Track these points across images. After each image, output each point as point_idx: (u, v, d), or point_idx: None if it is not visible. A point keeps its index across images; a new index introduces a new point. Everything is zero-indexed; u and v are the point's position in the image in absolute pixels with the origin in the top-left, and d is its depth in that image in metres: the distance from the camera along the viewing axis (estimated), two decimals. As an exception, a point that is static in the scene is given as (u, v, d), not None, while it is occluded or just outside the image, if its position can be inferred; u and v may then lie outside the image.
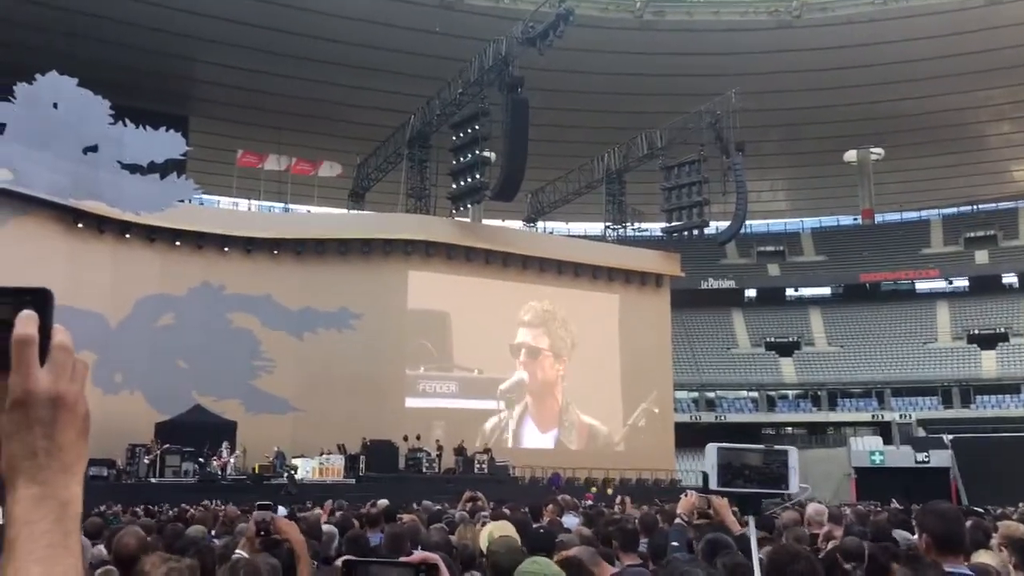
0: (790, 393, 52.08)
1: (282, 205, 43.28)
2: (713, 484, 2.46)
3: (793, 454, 2.48)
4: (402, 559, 1.67)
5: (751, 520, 2.57)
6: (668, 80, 45.16)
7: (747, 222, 42.93)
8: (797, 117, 49.76)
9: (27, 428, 0.95)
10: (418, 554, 1.66)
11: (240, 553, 4.23)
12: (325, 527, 6.26)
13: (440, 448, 30.39)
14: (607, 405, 37.13)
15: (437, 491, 22.75)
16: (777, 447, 2.51)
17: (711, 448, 2.46)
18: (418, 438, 30.54)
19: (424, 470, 29.08)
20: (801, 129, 51.17)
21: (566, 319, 36.54)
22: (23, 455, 0.94)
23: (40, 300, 0.97)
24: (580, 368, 36.39)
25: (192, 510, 15.71)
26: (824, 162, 56.01)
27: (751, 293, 58.06)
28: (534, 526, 6.28)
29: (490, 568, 4.36)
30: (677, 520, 6.01)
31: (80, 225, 29.21)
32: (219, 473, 25.80)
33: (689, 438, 39.73)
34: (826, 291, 58.72)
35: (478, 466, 29.37)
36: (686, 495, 6.51)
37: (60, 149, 28.01)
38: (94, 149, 28.87)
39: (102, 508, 16.19)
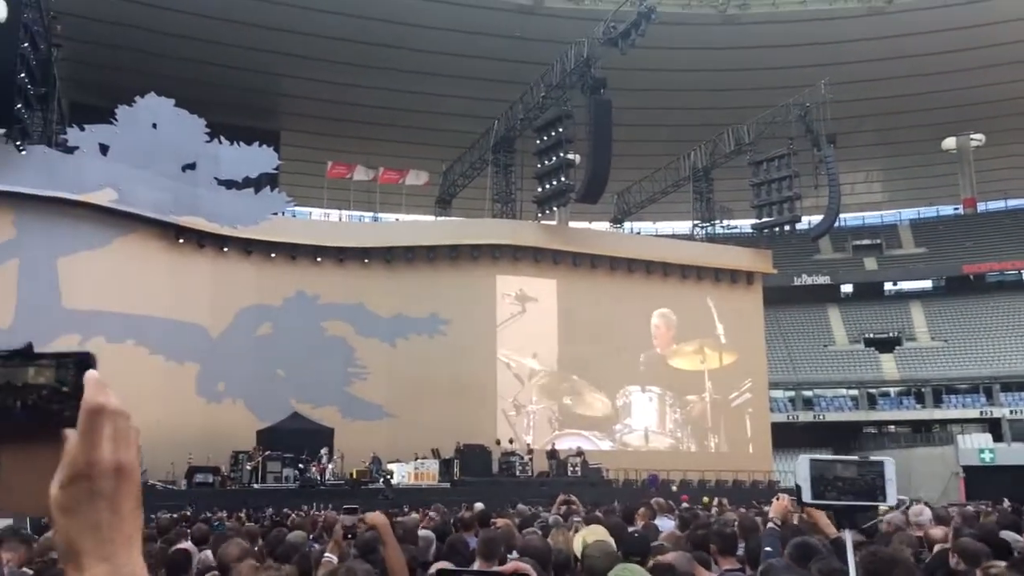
0: (892, 390, 50.36)
1: (371, 215, 44.07)
2: (806, 497, 2.39)
3: (890, 466, 2.39)
4: (495, 569, 1.67)
5: (847, 532, 2.49)
6: (754, 74, 44.32)
7: (841, 215, 41.78)
8: (892, 106, 48.15)
9: (90, 502, 0.91)
10: (511, 563, 1.66)
11: (329, 557, 4.33)
12: (422, 532, 6.34)
13: (531, 451, 30.45)
14: (697, 402, 36.74)
15: (531, 494, 22.82)
16: (873, 458, 2.42)
17: (803, 460, 2.39)
18: (511, 442, 30.67)
19: (517, 473, 29.16)
20: (896, 118, 49.50)
21: (655, 319, 36.50)
22: (86, 530, 0.91)
23: (85, 364, 0.94)
24: (674, 365, 36.33)
25: (293, 515, 16.13)
26: (922, 151, 54.10)
27: (847, 288, 56.44)
28: (629, 530, 6.23)
29: (585, 573, 4.36)
30: (770, 524, 5.89)
31: (181, 240, 30.26)
32: (318, 479, 26.36)
33: (787, 438, 38.88)
34: (927, 284, 56.68)
35: (571, 469, 29.30)
36: (778, 498, 6.37)
37: (160, 168, 29.18)
38: (192, 167, 29.99)
39: (208, 514, 16.76)
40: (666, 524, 8.46)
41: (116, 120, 28.63)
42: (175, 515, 16.84)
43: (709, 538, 5.59)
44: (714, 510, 11.67)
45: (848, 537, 2.48)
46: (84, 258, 27.73)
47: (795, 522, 6.67)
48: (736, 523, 6.93)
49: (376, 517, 4.33)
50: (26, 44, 25.58)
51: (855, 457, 2.44)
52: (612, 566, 4.57)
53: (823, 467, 2.39)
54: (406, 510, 16.97)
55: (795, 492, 2.57)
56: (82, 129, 28.36)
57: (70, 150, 28.18)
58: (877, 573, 3.13)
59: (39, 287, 26.84)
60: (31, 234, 26.91)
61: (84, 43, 36.03)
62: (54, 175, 27.26)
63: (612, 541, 5.12)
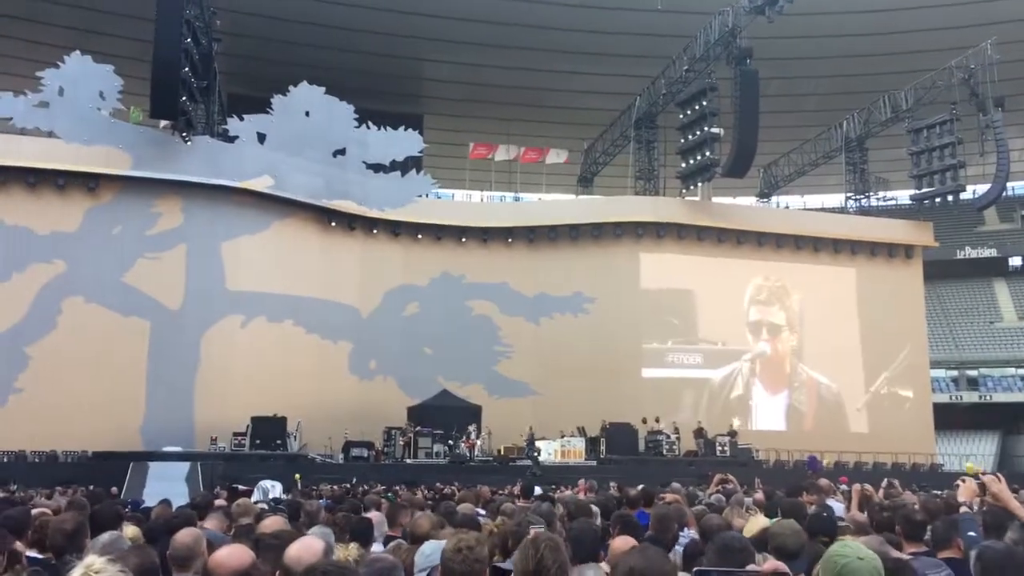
0: (1067, 370, 46.97)
1: (512, 195, 44.35)
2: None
3: None
4: (751, 568, 1.61)
5: None
6: (911, 36, 41.84)
7: (1009, 184, 39.10)
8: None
9: None
10: (769, 563, 1.59)
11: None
12: (594, 508, 6.32)
13: (678, 431, 30.06)
14: (846, 378, 35.28)
15: (678, 474, 22.48)
16: None
17: None
18: (657, 420, 30.34)
19: (664, 452, 28.87)
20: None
21: (797, 294, 35.17)
22: None
23: None
24: (815, 345, 35.00)
25: (447, 489, 16.51)
26: (1100, 112, 49.88)
27: (1016, 261, 52.84)
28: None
29: (774, 552, 4.22)
30: (963, 508, 5.57)
31: (333, 224, 31.37)
32: (467, 454, 26.88)
33: (949, 419, 36.88)
34: (1105, 256, 52.45)
35: (720, 448, 28.78)
36: (963, 481, 6.09)
37: (313, 154, 30.28)
38: (342, 152, 30.99)
39: (365, 487, 17.37)
40: (836, 507, 8.12)
41: (272, 109, 29.85)
42: (336, 487, 17.56)
43: (895, 521, 5.32)
44: (881, 491, 11.13)
45: None
46: (245, 242, 29.16)
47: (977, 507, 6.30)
48: (917, 506, 6.58)
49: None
50: (188, 40, 26.99)
51: None
52: (801, 543, 4.41)
53: None
54: (553, 487, 17.08)
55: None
56: (241, 119, 29.73)
57: (230, 139, 29.60)
58: None
59: (205, 270, 28.43)
60: (197, 220, 28.50)
61: (238, 36, 37.65)
62: (217, 164, 28.75)
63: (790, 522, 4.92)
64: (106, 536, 4.04)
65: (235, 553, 3.54)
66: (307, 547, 3.22)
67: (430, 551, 3.65)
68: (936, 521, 5.34)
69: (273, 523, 4.48)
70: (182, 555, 3.97)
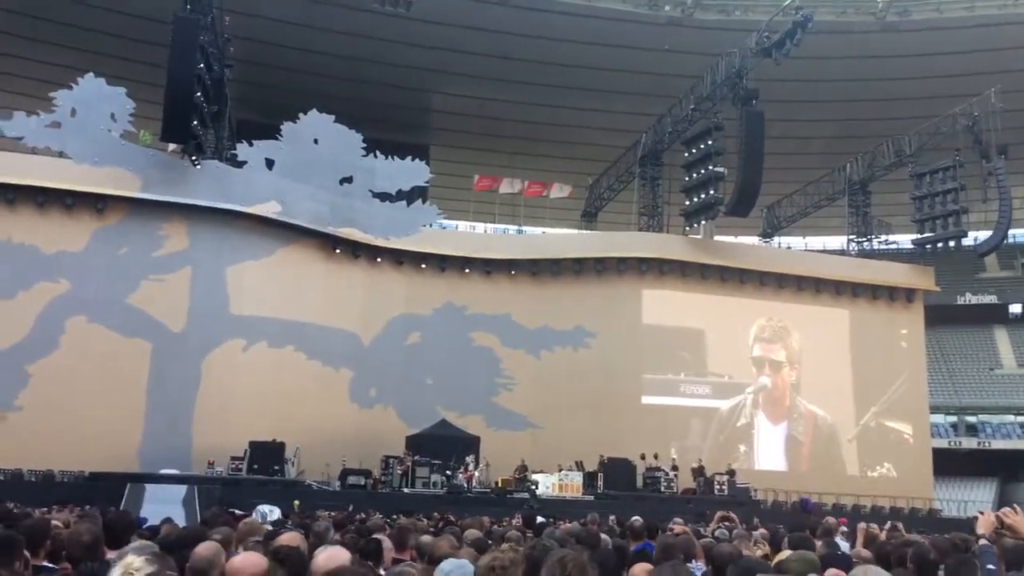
0: (1067, 418, 46.88)
1: (515, 228, 44.57)
2: None
3: None
4: None
5: None
6: (916, 83, 42.37)
7: (1010, 231, 39.29)
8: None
9: None
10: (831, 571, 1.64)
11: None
12: (603, 536, 6.33)
13: (676, 467, 29.93)
14: (850, 424, 35.20)
15: (676, 511, 22.25)
16: None
17: None
18: (655, 457, 30.24)
19: (662, 489, 28.73)
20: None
21: (799, 335, 35.20)
22: None
23: None
24: (814, 382, 34.99)
25: (447, 518, 16.40)
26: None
27: (1016, 309, 52.98)
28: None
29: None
30: (982, 542, 5.59)
31: (338, 251, 31.48)
32: (465, 485, 26.74)
33: (948, 465, 36.72)
34: (1105, 306, 52.60)
35: (718, 487, 28.67)
36: (982, 514, 6.15)
37: (320, 181, 30.47)
38: (349, 180, 31.16)
39: (363, 515, 17.25)
40: (843, 545, 8.12)
41: (281, 136, 30.08)
42: (334, 514, 17.44)
43: (910, 559, 5.33)
44: (885, 532, 11.12)
45: None
46: (250, 267, 29.24)
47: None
48: (928, 545, 6.59)
49: None
50: (202, 65, 27.26)
51: None
52: (807, 571, 4.43)
53: None
54: (552, 520, 16.98)
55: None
56: (251, 145, 29.92)
57: (239, 165, 29.79)
58: None
59: (209, 294, 28.47)
60: (203, 244, 28.61)
61: (250, 63, 38.03)
62: (224, 188, 28.92)
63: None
64: (136, 543, 4.10)
65: (251, 559, 3.61)
66: (334, 556, 3.26)
67: (450, 568, 3.68)
68: (948, 560, 5.35)
69: (291, 538, 4.52)
70: (202, 567, 4.00)
